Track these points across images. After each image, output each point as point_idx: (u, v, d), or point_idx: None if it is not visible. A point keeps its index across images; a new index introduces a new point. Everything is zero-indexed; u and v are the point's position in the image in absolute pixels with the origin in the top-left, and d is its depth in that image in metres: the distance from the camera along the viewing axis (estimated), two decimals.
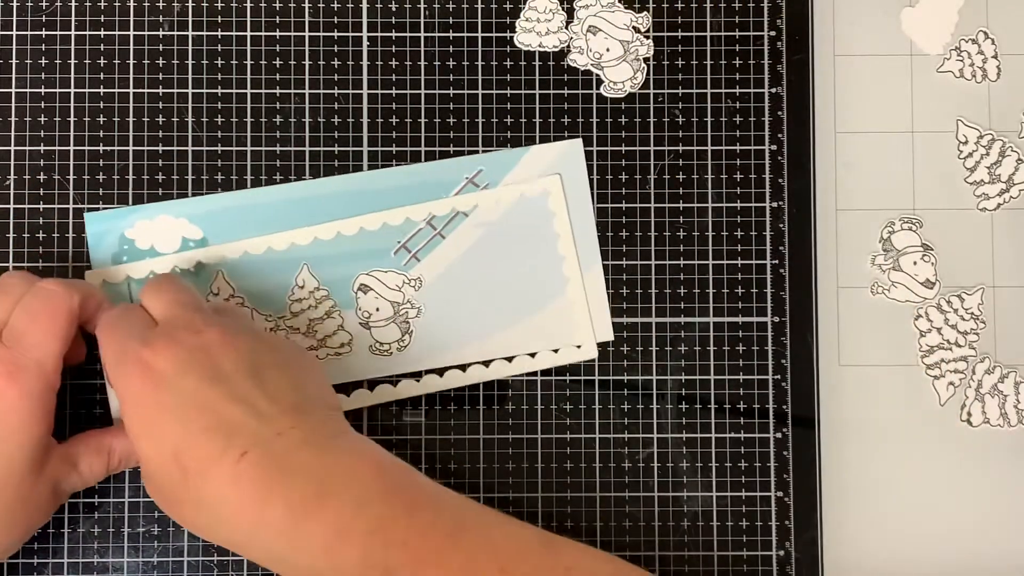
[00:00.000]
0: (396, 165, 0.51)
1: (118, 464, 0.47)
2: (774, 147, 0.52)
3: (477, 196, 0.51)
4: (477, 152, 0.51)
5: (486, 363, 0.50)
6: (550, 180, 0.51)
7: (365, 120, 0.51)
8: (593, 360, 0.51)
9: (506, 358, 0.50)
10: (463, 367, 0.50)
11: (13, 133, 0.51)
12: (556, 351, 0.50)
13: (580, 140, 0.51)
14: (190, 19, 0.51)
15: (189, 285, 0.47)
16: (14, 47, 0.51)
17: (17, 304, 0.44)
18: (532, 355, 0.50)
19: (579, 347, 0.50)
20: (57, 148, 0.51)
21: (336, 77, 0.51)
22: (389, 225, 0.50)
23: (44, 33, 0.51)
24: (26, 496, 0.44)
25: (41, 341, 0.43)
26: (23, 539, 0.45)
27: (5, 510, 0.43)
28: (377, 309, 0.50)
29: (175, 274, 0.48)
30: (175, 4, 0.51)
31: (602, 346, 0.51)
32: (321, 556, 0.40)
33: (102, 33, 0.51)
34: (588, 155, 0.51)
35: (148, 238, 0.50)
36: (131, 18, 0.51)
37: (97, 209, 0.50)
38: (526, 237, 0.51)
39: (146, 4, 0.51)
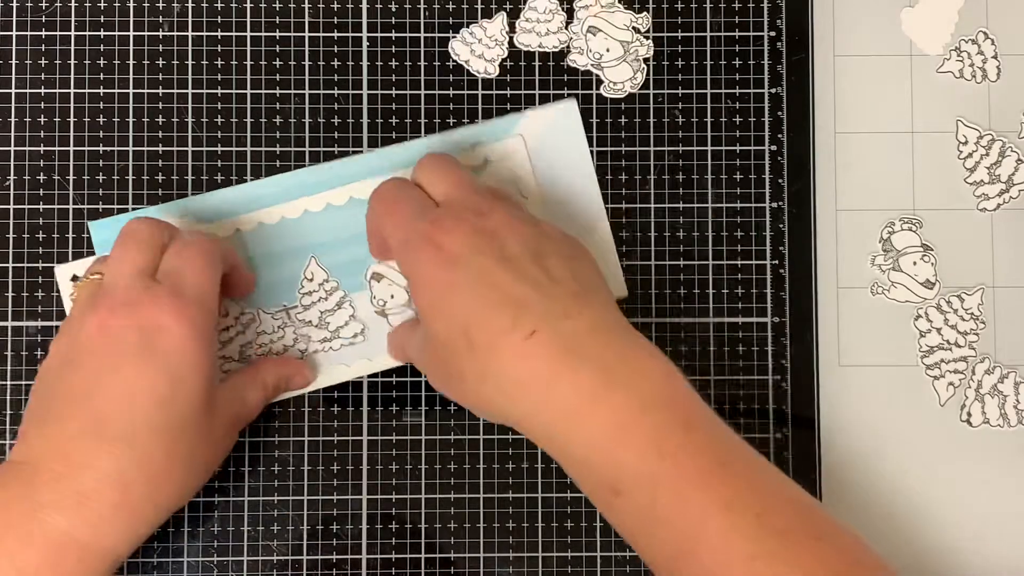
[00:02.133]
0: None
1: (273, 393, 0.48)
2: (774, 147, 0.52)
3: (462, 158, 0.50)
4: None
5: None
6: (512, 142, 0.50)
7: (365, 120, 0.51)
8: None
9: None
10: None
11: (13, 133, 0.51)
12: None
13: (575, 100, 0.51)
14: (190, 19, 0.51)
15: (464, 166, 0.47)
16: (14, 47, 0.51)
17: (163, 251, 0.45)
18: None
19: None
20: (57, 148, 0.51)
21: (336, 77, 0.51)
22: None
23: (44, 33, 0.51)
24: (206, 434, 0.44)
25: (200, 280, 0.44)
26: (204, 480, 0.46)
27: (189, 451, 0.43)
28: (392, 296, 0.50)
29: (449, 157, 0.48)
30: (175, 4, 0.51)
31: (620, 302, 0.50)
32: (598, 448, 0.40)
33: (102, 33, 0.51)
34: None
35: None
36: (131, 18, 0.51)
37: (97, 210, 0.50)
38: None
39: (146, 4, 0.51)
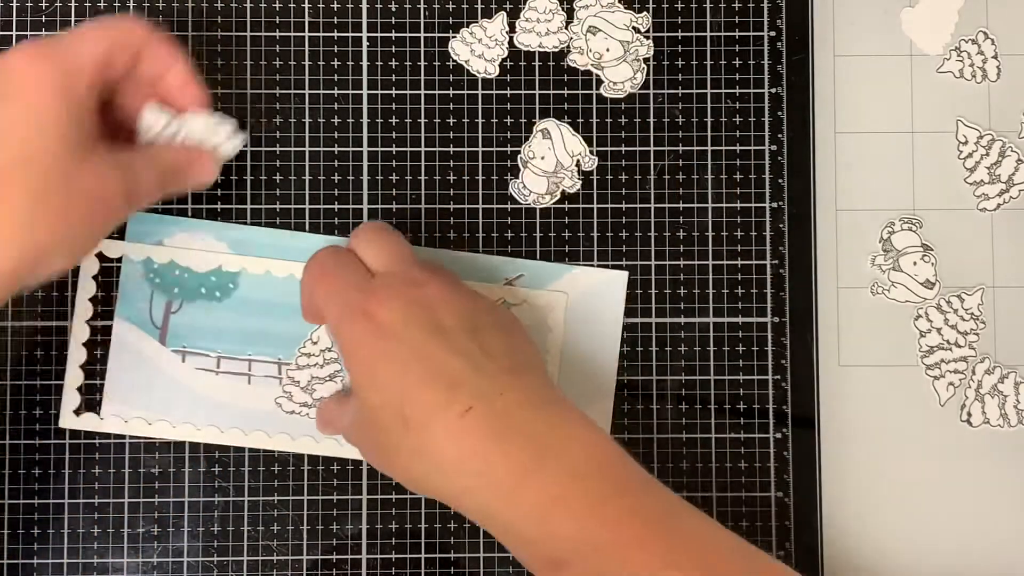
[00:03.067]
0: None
1: (169, 179, 0.45)
2: (774, 147, 0.52)
3: (501, 290, 0.50)
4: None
5: None
6: (556, 296, 0.50)
7: (365, 120, 0.51)
8: None
9: None
10: None
11: None
12: None
13: (626, 273, 0.51)
14: (190, 19, 0.51)
15: (401, 236, 0.46)
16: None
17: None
18: None
19: None
20: None
21: (336, 77, 0.51)
22: None
23: (44, 33, 0.51)
24: (69, 175, 0.41)
25: (81, 38, 0.43)
26: (74, 237, 0.42)
27: (38, 192, 0.40)
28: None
29: (387, 227, 0.47)
30: (175, 4, 0.51)
31: None
32: (536, 523, 0.40)
33: None
34: None
35: (185, 255, 0.50)
36: None
37: None
38: (570, 337, 0.50)
39: (146, 4, 0.51)
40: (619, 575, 0.39)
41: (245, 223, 0.51)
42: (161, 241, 0.50)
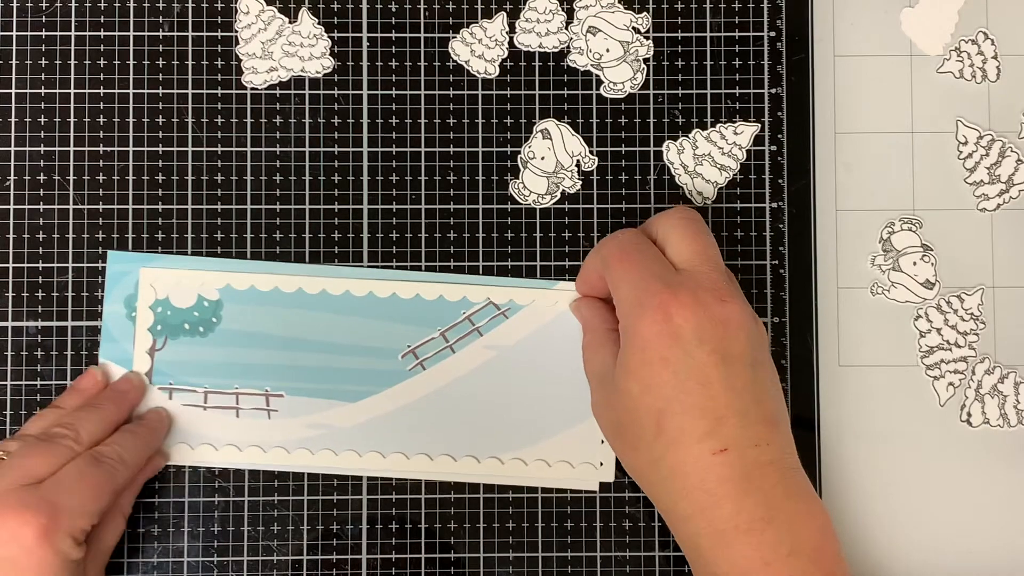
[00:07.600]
0: (404, 271, 0.51)
1: (129, 512, 0.48)
2: (774, 147, 0.52)
3: (513, 292, 0.50)
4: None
5: (478, 459, 0.50)
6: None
7: (365, 120, 0.51)
8: (593, 492, 0.50)
9: (499, 459, 0.50)
10: (454, 457, 0.50)
11: (13, 133, 0.51)
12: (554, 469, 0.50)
13: None
14: (190, 19, 0.51)
15: (711, 235, 0.45)
16: (14, 47, 0.51)
17: (70, 460, 0.44)
18: (525, 463, 0.50)
19: (579, 475, 0.50)
20: (57, 148, 0.51)
21: (336, 77, 0.51)
22: (399, 296, 0.50)
23: (44, 33, 0.51)
24: None
25: (84, 504, 0.43)
26: None
27: None
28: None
29: (700, 219, 0.46)
30: (175, 4, 0.51)
31: (604, 486, 0.50)
32: (736, 575, 0.41)
33: (102, 33, 0.51)
34: None
35: (164, 288, 0.50)
36: (131, 18, 0.51)
37: (97, 210, 0.50)
38: (552, 360, 0.50)
39: (146, 4, 0.51)
40: None
41: (245, 223, 0.51)
42: (137, 280, 0.50)
